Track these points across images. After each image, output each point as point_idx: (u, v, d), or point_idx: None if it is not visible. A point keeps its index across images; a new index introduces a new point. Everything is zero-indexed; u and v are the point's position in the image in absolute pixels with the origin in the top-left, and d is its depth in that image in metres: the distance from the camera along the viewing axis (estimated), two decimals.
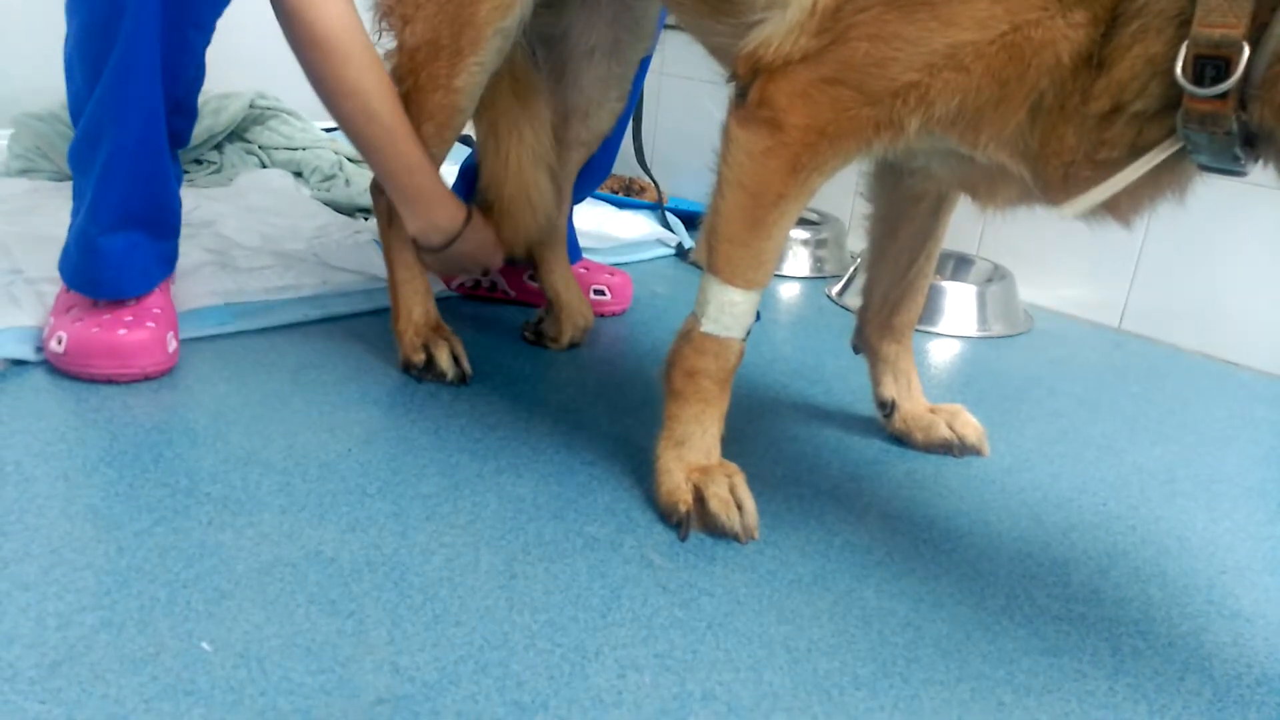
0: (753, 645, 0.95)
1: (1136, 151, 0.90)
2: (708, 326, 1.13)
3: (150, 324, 1.35)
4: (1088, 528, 1.23)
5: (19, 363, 1.35)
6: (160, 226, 1.40)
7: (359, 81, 1.33)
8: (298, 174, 2.37)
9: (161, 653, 0.86)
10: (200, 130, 2.26)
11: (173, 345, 1.38)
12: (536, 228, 1.58)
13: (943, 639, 0.99)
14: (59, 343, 1.32)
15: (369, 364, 1.49)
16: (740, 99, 1.08)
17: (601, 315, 1.82)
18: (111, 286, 1.36)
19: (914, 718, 0.88)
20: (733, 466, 1.17)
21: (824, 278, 2.23)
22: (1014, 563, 1.14)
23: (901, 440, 1.41)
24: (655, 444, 1.18)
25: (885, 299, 1.38)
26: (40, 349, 1.36)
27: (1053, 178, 0.96)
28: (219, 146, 2.37)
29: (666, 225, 2.37)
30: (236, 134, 2.42)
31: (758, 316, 1.16)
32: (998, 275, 2.05)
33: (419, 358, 1.46)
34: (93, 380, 1.32)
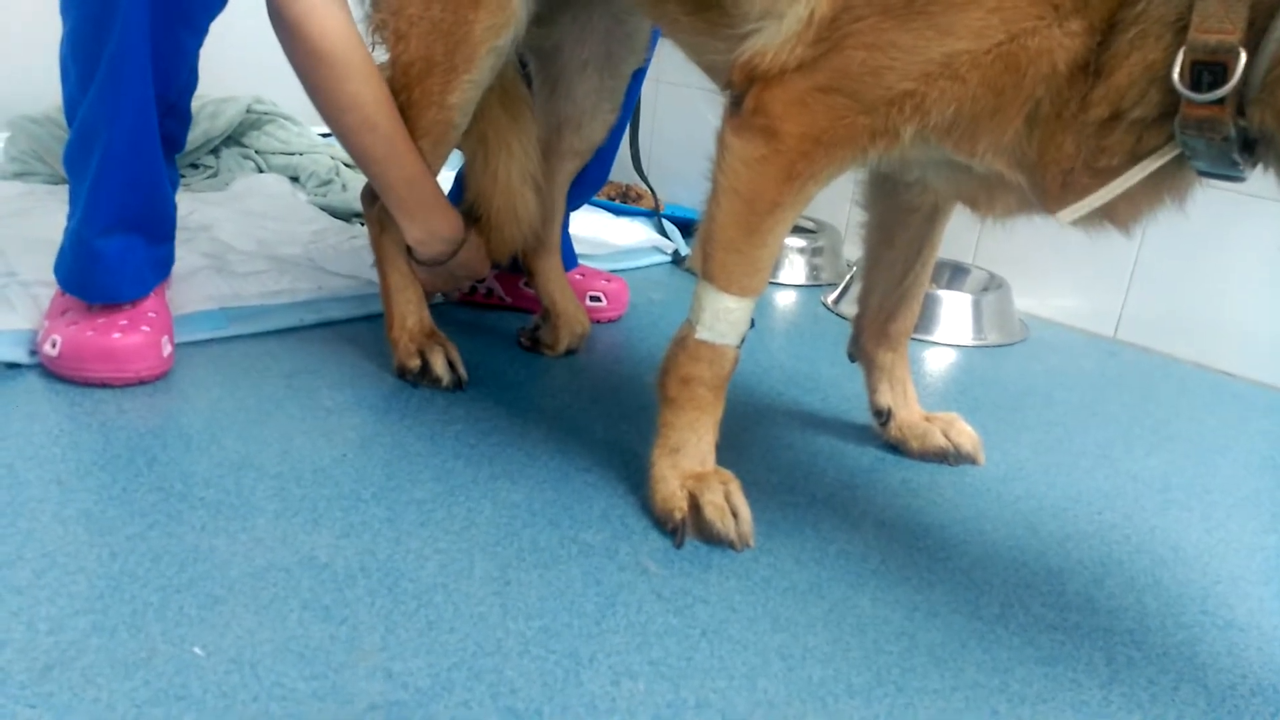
0: (747, 653, 0.95)
1: (1135, 158, 0.90)
2: (703, 333, 1.13)
3: (145, 328, 1.35)
4: (1082, 537, 1.23)
5: (13, 366, 1.35)
6: (155, 230, 1.39)
7: (359, 94, 1.33)
8: (294, 179, 2.37)
9: (154, 657, 0.86)
10: (196, 135, 2.25)
11: (167, 349, 1.38)
12: (522, 239, 1.59)
13: (937, 647, 0.99)
14: (53, 346, 1.32)
15: (364, 369, 1.49)
16: (735, 107, 1.08)
17: (597, 321, 1.82)
18: (106, 290, 1.36)
19: None
20: (728, 474, 1.16)
21: (820, 286, 2.23)
22: (1009, 571, 1.14)
23: (897, 448, 1.41)
24: (650, 451, 1.18)
25: (881, 307, 1.38)
26: (34, 352, 1.36)
27: (1051, 186, 0.96)
28: (215, 151, 2.37)
29: (663, 232, 2.37)
30: (233, 138, 2.42)
31: (752, 324, 1.16)
32: (993, 284, 2.05)
33: (414, 363, 1.46)
34: (87, 384, 1.32)
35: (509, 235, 1.56)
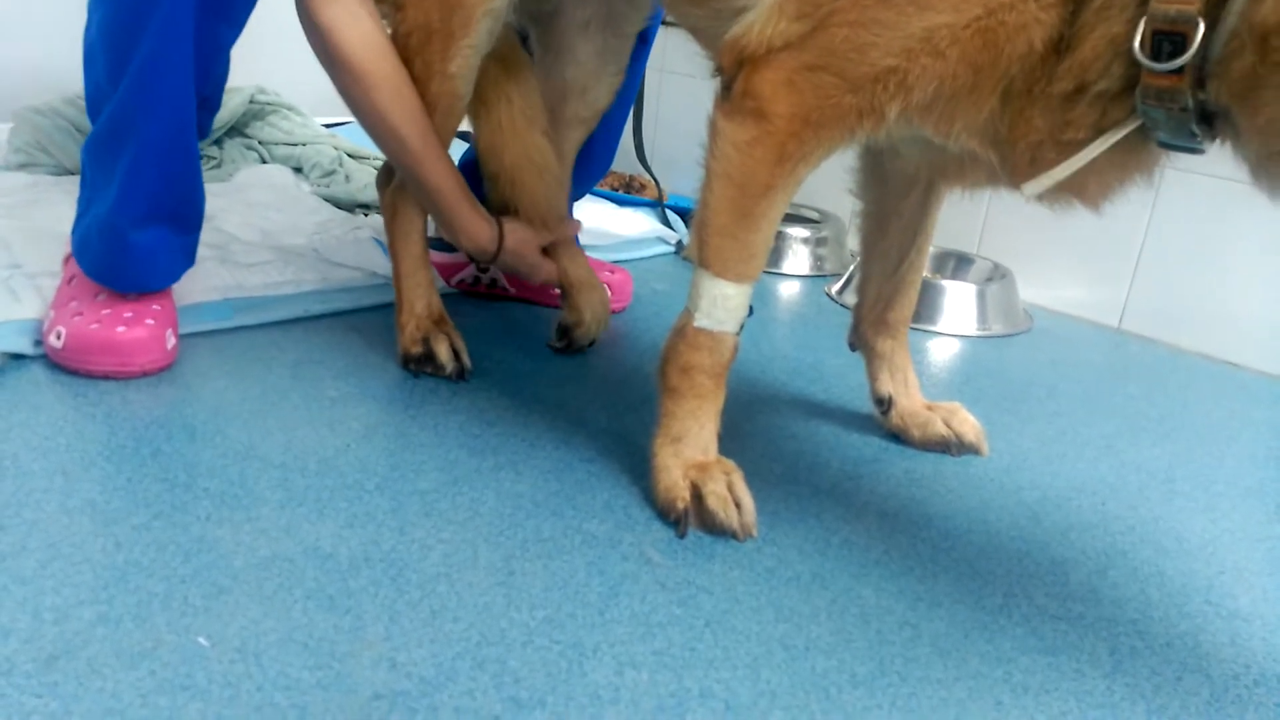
0: (750, 643, 0.95)
1: (1100, 132, 0.92)
2: (701, 321, 1.13)
3: (150, 321, 1.35)
4: (1086, 527, 1.23)
5: (17, 357, 1.35)
6: (185, 221, 1.40)
7: (387, 107, 1.34)
8: (298, 170, 2.37)
9: (159, 647, 0.86)
10: None
11: (171, 342, 1.38)
12: (547, 191, 1.55)
13: (940, 638, 0.99)
14: (57, 338, 1.32)
15: (368, 360, 1.49)
16: (725, 91, 1.09)
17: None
18: (138, 280, 1.37)
19: (911, 716, 0.88)
20: (730, 464, 1.17)
21: (824, 276, 2.23)
22: (1012, 562, 1.14)
23: (898, 437, 1.41)
24: (652, 441, 1.18)
25: (879, 295, 1.38)
26: (39, 343, 1.36)
27: (1019, 161, 0.97)
28: (219, 142, 2.37)
29: (667, 223, 2.37)
30: (236, 129, 2.42)
31: (751, 310, 1.16)
32: (998, 274, 2.05)
33: (417, 350, 1.46)
34: (91, 376, 1.32)
35: (532, 185, 1.54)
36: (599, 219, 2.29)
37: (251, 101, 2.43)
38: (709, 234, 1.12)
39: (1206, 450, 1.49)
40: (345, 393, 1.37)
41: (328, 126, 2.54)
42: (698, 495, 1.12)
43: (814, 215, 2.38)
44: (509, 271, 1.58)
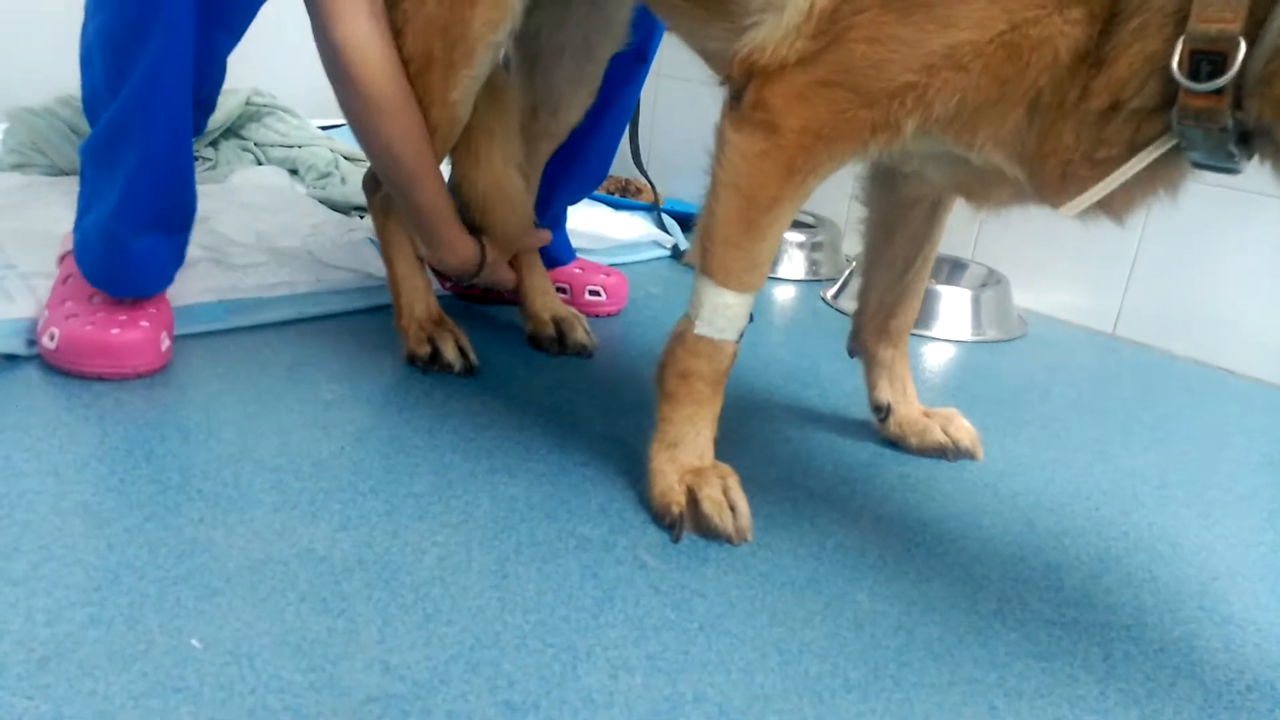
0: (745, 647, 0.95)
1: (1134, 149, 0.90)
2: (701, 328, 1.13)
3: (144, 323, 1.35)
4: (1080, 532, 1.23)
5: (11, 357, 1.35)
6: (178, 223, 1.40)
7: (390, 132, 1.35)
8: (293, 171, 2.37)
9: (151, 649, 0.86)
10: None
11: (166, 344, 1.38)
12: (519, 222, 1.58)
13: (935, 642, 0.99)
14: (51, 339, 1.32)
15: (363, 362, 1.49)
16: (735, 101, 1.07)
17: (596, 316, 1.81)
18: (135, 286, 1.37)
19: None
20: (726, 468, 1.16)
21: (819, 280, 2.23)
22: (1006, 567, 1.14)
23: (896, 444, 1.41)
24: (648, 445, 1.18)
25: (881, 303, 1.38)
26: (33, 343, 1.36)
27: (1050, 177, 0.95)
28: (214, 143, 2.37)
29: (663, 227, 2.37)
30: (232, 131, 2.42)
31: (751, 318, 1.16)
32: (992, 280, 2.05)
33: (424, 350, 1.47)
34: (84, 377, 1.32)
35: (503, 215, 1.55)
36: (595, 223, 2.29)
37: (248, 103, 2.43)
38: (713, 243, 1.11)
39: (1200, 456, 1.49)
40: (340, 395, 1.37)
41: (323, 129, 2.53)
42: (693, 500, 1.12)
43: (810, 220, 2.38)
44: (486, 286, 1.59)
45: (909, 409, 1.40)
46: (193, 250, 1.68)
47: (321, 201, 2.16)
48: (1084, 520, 1.26)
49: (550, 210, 1.78)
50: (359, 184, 2.19)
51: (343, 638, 0.90)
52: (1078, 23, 0.88)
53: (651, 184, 2.39)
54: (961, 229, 2.19)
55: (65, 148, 2.08)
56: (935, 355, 1.84)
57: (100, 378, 1.32)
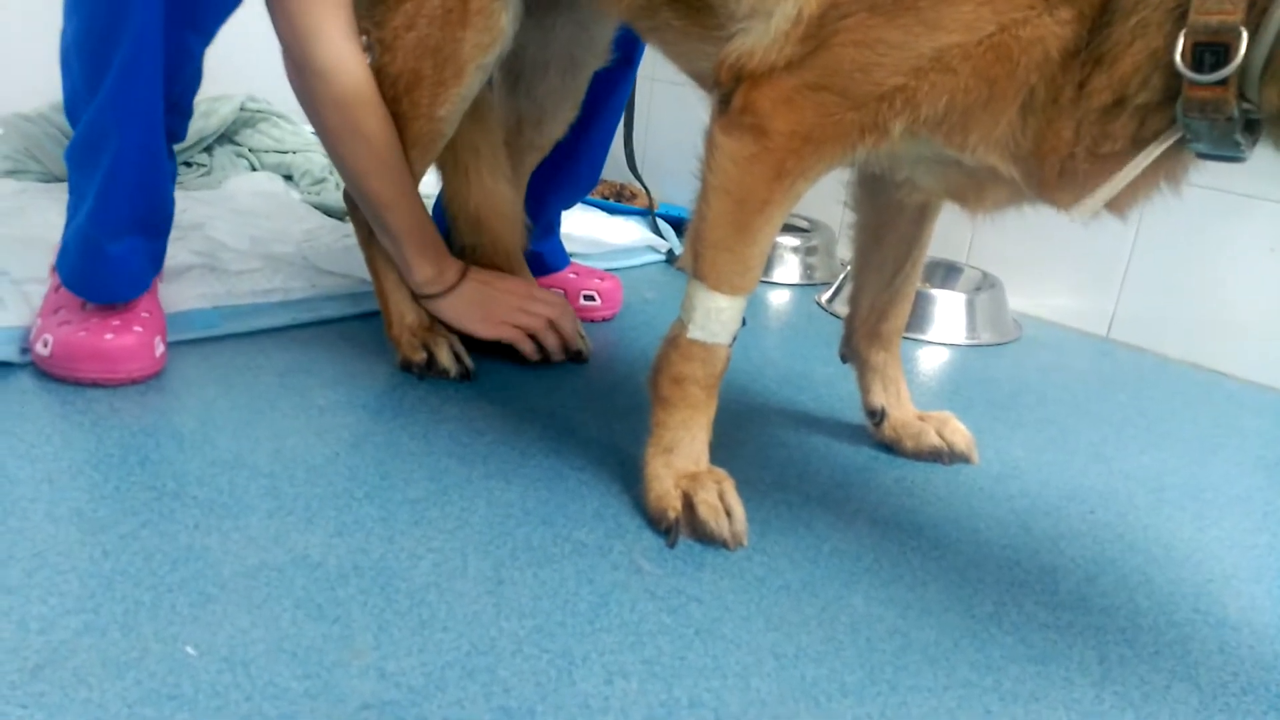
0: (740, 652, 0.95)
1: (1137, 143, 0.90)
2: (694, 333, 1.13)
3: (138, 328, 1.35)
4: (1075, 536, 1.23)
5: (4, 364, 1.34)
6: (155, 228, 1.40)
7: (366, 159, 1.36)
8: (287, 177, 2.36)
9: (145, 657, 0.85)
10: (190, 133, 2.24)
11: (160, 349, 1.38)
12: (512, 234, 1.59)
13: (930, 646, 0.99)
14: (45, 345, 1.31)
15: (357, 368, 1.49)
16: (723, 105, 1.08)
17: (591, 321, 1.81)
18: (111, 291, 1.36)
19: None
20: (722, 473, 1.16)
21: (814, 285, 2.24)
22: (1002, 570, 1.14)
23: (891, 448, 1.41)
24: (644, 450, 1.18)
25: (873, 306, 1.38)
26: (26, 350, 1.36)
27: (1048, 174, 0.95)
28: (209, 149, 2.36)
29: (657, 231, 2.37)
30: (226, 136, 2.42)
31: (745, 322, 1.16)
32: (986, 283, 2.05)
33: (420, 356, 1.47)
34: (78, 384, 1.31)
35: (498, 230, 1.57)
36: (589, 227, 2.29)
37: (241, 109, 2.43)
38: (704, 247, 1.11)
39: (1195, 458, 1.49)
40: (334, 401, 1.37)
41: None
42: (689, 504, 1.12)
43: (804, 224, 2.38)
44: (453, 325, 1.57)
45: (903, 413, 1.40)
46: (187, 256, 1.69)
47: (316, 207, 2.16)
48: (1079, 523, 1.26)
49: (544, 216, 1.78)
50: None
51: (338, 644, 0.90)
52: (1068, 22, 0.89)
53: (646, 188, 2.40)
54: (955, 233, 2.19)
55: (59, 154, 2.06)
56: (930, 359, 1.84)
57: (94, 384, 1.31)
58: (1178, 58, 0.84)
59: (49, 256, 1.50)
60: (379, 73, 1.37)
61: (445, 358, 1.47)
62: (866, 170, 1.30)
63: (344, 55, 1.31)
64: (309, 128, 2.51)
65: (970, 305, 1.96)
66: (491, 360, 1.56)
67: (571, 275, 1.85)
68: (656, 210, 2.43)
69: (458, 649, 0.91)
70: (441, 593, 0.98)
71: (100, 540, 1.00)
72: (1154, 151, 0.90)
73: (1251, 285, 1.85)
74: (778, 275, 2.24)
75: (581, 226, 2.25)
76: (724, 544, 1.11)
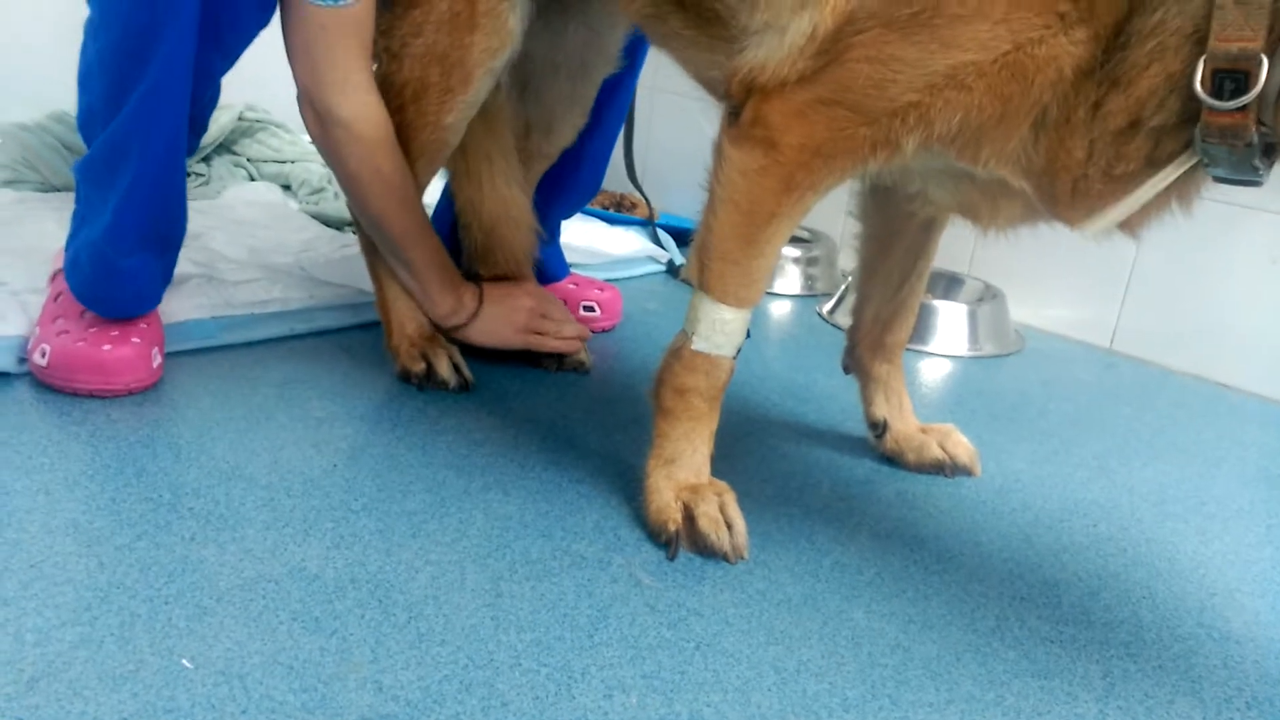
0: (741, 666, 0.94)
1: (1152, 164, 0.91)
2: (698, 344, 1.13)
3: (135, 339, 1.34)
4: (1078, 549, 1.22)
5: (1, 374, 1.34)
6: (168, 244, 1.40)
7: (385, 201, 1.38)
8: (286, 187, 2.36)
9: (141, 669, 0.85)
10: None
11: (157, 360, 1.37)
12: (527, 241, 1.59)
13: (932, 661, 0.98)
14: (42, 356, 1.31)
15: (355, 379, 1.48)
16: (733, 117, 1.07)
17: (592, 331, 1.81)
18: (125, 306, 1.36)
19: None
20: (723, 485, 1.16)
21: (815, 296, 2.23)
22: (1004, 584, 1.13)
23: (893, 460, 1.40)
24: (644, 462, 1.17)
25: (876, 318, 1.38)
26: (23, 360, 1.35)
27: (1061, 192, 0.95)
28: (207, 159, 2.36)
29: (657, 241, 2.37)
30: (224, 146, 2.42)
31: (748, 334, 1.16)
32: (989, 295, 2.05)
33: (419, 367, 1.47)
34: (75, 394, 1.31)
35: (510, 237, 1.57)
36: (590, 238, 2.29)
37: (240, 119, 2.43)
38: (711, 258, 1.11)
39: (1198, 471, 1.49)
40: (332, 412, 1.36)
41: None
42: (690, 517, 1.12)
43: (805, 235, 2.38)
44: (481, 345, 1.58)
45: (906, 425, 1.39)
46: (185, 266, 1.68)
47: (314, 217, 2.16)
48: (1082, 536, 1.26)
49: (544, 225, 1.78)
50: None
51: (335, 657, 0.89)
52: (1083, 43, 0.88)
53: (646, 199, 2.39)
54: (958, 244, 2.18)
55: (57, 164, 2.07)
56: (932, 370, 1.84)
57: (91, 395, 1.31)
58: (1197, 85, 0.84)
59: (47, 266, 1.50)
60: (385, 81, 1.37)
61: (444, 369, 1.46)
62: (877, 181, 1.30)
63: (368, 104, 1.34)
64: (306, 137, 2.51)
65: (973, 317, 1.95)
66: (490, 372, 1.55)
67: (571, 285, 1.85)
68: (657, 220, 2.43)
69: (455, 662, 0.90)
70: (439, 606, 0.98)
71: (96, 552, 1.00)
72: (1170, 175, 0.90)
73: (1255, 297, 1.85)
74: (779, 286, 2.23)
75: (581, 236, 2.25)
76: (725, 557, 1.11)
